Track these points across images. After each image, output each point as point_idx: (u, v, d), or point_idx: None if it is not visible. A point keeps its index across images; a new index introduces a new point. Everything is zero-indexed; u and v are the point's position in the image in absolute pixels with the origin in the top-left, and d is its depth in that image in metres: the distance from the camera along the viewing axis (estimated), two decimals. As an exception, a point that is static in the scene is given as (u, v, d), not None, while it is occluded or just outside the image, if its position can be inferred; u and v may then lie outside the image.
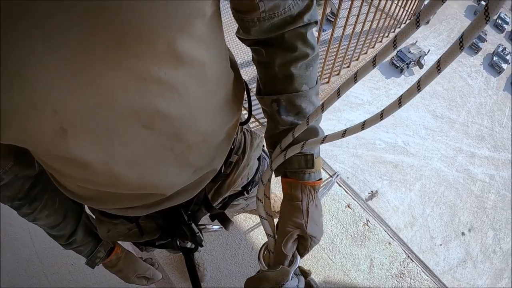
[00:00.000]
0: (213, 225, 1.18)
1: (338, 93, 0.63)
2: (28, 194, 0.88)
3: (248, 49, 0.86)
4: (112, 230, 1.01)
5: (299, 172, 0.81)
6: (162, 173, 0.71)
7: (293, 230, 0.77)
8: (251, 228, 2.37)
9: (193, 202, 0.97)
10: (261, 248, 0.84)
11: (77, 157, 0.58)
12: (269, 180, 0.87)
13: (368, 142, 3.91)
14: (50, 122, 0.51)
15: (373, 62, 0.54)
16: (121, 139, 0.59)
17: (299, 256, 0.79)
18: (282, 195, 0.86)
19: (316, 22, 0.75)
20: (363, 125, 0.61)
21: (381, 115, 0.57)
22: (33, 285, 2.32)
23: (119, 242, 1.16)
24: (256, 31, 0.70)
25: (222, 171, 0.96)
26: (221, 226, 1.15)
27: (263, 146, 1.16)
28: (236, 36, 0.79)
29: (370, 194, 2.73)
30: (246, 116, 1.00)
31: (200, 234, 1.01)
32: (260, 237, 2.36)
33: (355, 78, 0.58)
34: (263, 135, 0.98)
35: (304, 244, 0.79)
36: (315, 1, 0.74)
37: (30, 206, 0.90)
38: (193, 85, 0.62)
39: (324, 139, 0.72)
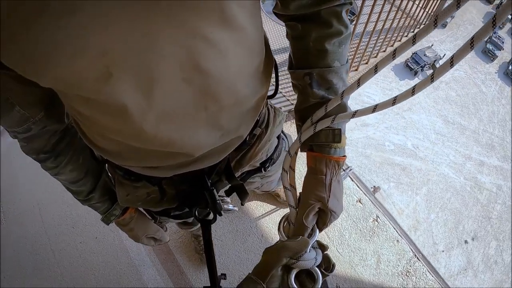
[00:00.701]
0: (230, 203, 1.18)
1: (375, 69, 0.66)
2: (55, 148, 0.93)
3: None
4: (131, 194, 1.05)
5: (325, 146, 0.85)
6: (192, 131, 0.74)
7: (315, 203, 0.81)
8: (262, 216, 2.38)
9: (216, 169, 1.00)
10: (281, 219, 0.88)
11: (117, 101, 0.61)
12: (296, 153, 0.90)
13: (378, 143, 3.87)
14: (98, 64, 0.55)
15: (393, 55, 0.61)
16: (161, 89, 0.62)
17: (317, 230, 0.83)
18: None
19: (350, 3, 0.80)
20: (394, 101, 0.65)
21: (394, 101, 0.63)
22: (38, 260, 2.33)
23: None
24: (295, 5, 0.76)
25: (247, 140, 1.01)
26: (234, 206, 1.21)
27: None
28: (273, 12, 0.84)
29: (372, 189, 2.71)
30: (272, 92, 1.05)
31: (220, 203, 1.04)
32: (270, 225, 2.36)
33: (375, 69, 0.65)
34: (286, 113, 1.00)
35: (323, 218, 0.83)
36: None
37: (55, 160, 0.94)
38: (235, 47, 0.66)
39: (355, 114, 0.75)
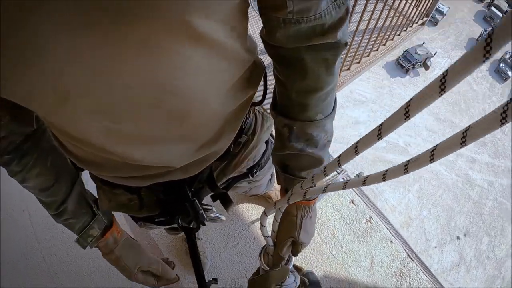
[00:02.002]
0: (215, 212, 1.14)
1: (356, 149, 0.56)
2: (19, 148, 0.82)
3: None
4: (113, 200, 0.99)
5: None
6: (163, 149, 0.70)
7: (287, 239, 0.91)
8: (254, 219, 2.35)
9: (197, 179, 0.96)
10: (261, 251, 1.00)
11: (75, 125, 0.59)
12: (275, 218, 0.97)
13: (369, 140, 3.87)
14: (53, 84, 0.51)
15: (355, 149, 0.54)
16: (125, 114, 0.58)
17: (292, 257, 0.98)
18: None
19: (346, 44, 0.71)
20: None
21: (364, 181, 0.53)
22: (29, 265, 2.30)
23: (117, 223, 1.10)
24: (282, 35, 0.65)
25: (231, 150, 0.96)
26: (221, 214, 1.15)
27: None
28: (260, 36, 0.74)
29: (357, 175, 2.71)
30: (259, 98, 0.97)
31: (203, 213, 1.00)
32: (262, 228, 2.34)
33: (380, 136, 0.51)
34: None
35: (296, 247, 0.93)
36: (348, 17, 0.68)
37: (20, 162, 0.83)
38: (207, 64, 0.60)
39: (325, 189, 0.68)
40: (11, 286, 2.22)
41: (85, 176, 1.01)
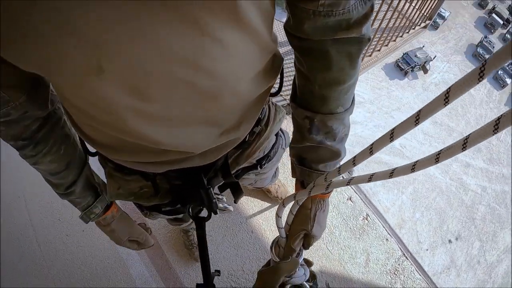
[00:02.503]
0: (225, 202, 1.16)
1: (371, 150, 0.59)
2: (34, 135, 0.86)
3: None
4: (122, 188, 1.00)
5: None
6: (188, 132, 0.71)
7: (300, 232, 0.93)
8: (253, 213, 2.37)
9: (213, 167, 0.97)
10: (272, 243, 1.01)
11: (106, 98, 0.57)
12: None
13: (366, 141, 3.89)
14: (89, 56, 0.51)
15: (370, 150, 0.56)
16: (157, 88, 0.58)
17: (303, 250, 0.98)
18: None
19: (369, 39, 0.73)
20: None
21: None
22: (24, 253, 2.28)
23: (116, 201, 1.16)
24: (310, 27, 0.67)
25: (247, 138, 0.98)
26: (229, 205, 1.18)
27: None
28: (284, 29, 0.76)
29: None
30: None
31: (216, 201, 1.00)
32: (260, 221, 2.36)
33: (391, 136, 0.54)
34: (285, 110, 0.98)
35: (307, 240, 0.94)
36: (372, 13, 0.70)
37: (34, 149, 0.87)
38: (243, 48, 0.62)
39: (350, 181, 0.69)
40: (7, 275, 2.20)
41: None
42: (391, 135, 0.52)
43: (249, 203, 2.40)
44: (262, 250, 2.33)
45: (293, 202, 0.92)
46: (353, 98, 0.86)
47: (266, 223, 2.41)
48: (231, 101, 0.71)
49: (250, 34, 0.61)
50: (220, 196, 1.09)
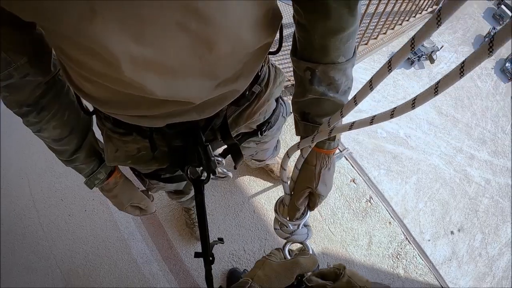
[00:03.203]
0: (224, 167, 1.14)
1: (371, 85, 0.60)
2: (38, 101, 0.88)
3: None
4: (120, 150, 1.00)
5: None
6: (183, 81, 0.70)
7: (305, 189, 0.92)
8: (255, 192, 2.36)
9: (212, 124, 0.95)
10: (277, 202, 1.02)
11: (100, 44, 0.56)
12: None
13: (370, 129, 3.87)
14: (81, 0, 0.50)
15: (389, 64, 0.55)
16: (152, 33, 0.58)
17: (309, 211, 0.97)
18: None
19: None
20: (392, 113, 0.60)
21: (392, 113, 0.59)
22: (27, 234, 2.30)
23: (119, 167, 1.16)
24: None
25: (246, 94, 0.97)
26: (229, 171, 1.20)
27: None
28: None
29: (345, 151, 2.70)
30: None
31: (215, 160, 1.00)
32: (263, 201, 2.35)
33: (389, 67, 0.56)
34: (286, 74, 0.98)
35: (313, 200, 0.95)
36: None
37: (38, 115, 0.89)
38: None
39: (352, 126, 0.71)
40: (10, 255, 2.21)
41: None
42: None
43: (251, 183, 2.40)
44: (264, 230, 2.33)
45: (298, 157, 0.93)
46: (355, 49, 0.86)
47: (268, 203, 2.40)
48: (227, 50, 0.69)
49: None
50: (219, 159, 1.07)
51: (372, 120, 0.61)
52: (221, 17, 0.61)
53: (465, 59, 0.44)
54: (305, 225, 0.98)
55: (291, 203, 0.96)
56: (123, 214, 2.33)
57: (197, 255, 1.05)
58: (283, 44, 0.95)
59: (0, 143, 2.56)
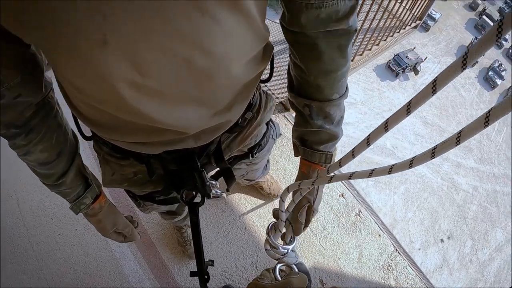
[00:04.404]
0: (218, 188, 1.16)
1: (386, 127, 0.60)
2: (27, 123, 0.83)
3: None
4: (116, 173, 1.00)
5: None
6: (182, 110, 0.71)
7: (306, 203, 0.96)
8: (246, 210, 2.37)
9: (206, 151, 0.97)
10: (269, 226, 1.02)
11: (106, 72, 0.57)
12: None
13: (358, 141, 3.88)
14: (95, 25, 0.50)
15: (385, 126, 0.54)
16: (157, 63, 0.59)
17: (295, 237, 1.02)
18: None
19: (356, 30, 0.79)
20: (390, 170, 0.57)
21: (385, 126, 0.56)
22: (16, 252, 2.25)
23: (104, 192, 1.13)
24: (304, 20, 0.71)
25: (239, 122, 0.98)
26: (223, 192, 1.19)
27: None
28: (280, 23, 0.82)
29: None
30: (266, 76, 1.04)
31: (210, 185, 1.01)
32: (253, 218, 2.36)
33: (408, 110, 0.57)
34: (276, 99, 1.02)
35: (308, 215, 0.98)
36: (357, 6, 0.76)
37: (26, 137, 0.84)
38: (239, 31, 0.64)
39: (352, 176, 0.70)
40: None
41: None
42: (386, 126, 0.54)
43: (242, 201, 2.40)
44: (256, 247, 2.33)
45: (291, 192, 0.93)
46: (347, 85, 0.92)
47: (259, 220, 2.41)
48: (225, 82, 0.72)
49: (246, 19, 0.64)
50: (213, 182, 1.10)
51: (371, 173, 0.64)
52: (222, 53, 0.64)
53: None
54: (293, 250, 1.00)
55: (294, 217, 0.99)
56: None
57: (192, 274, 1.06)
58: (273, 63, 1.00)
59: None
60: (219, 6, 0.56)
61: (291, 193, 1.01)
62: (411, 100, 0.50)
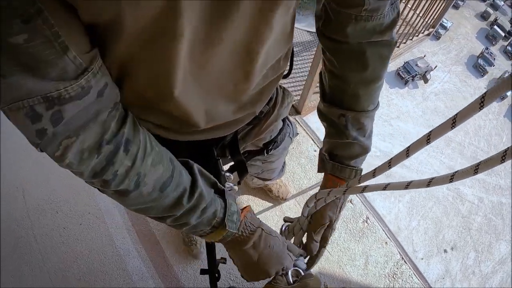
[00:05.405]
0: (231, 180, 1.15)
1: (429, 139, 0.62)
2: (119, 131, 0.57)
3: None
4: None
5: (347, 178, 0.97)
6: (212, 102, 0.73)
7: (326, 222, 0.96)
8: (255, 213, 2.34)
9: (222, 141, 0.98)
10: (283, 229, 1.07)
11: (171, 46, 0.53)
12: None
13: (363, 147, 3.90)
14: (171, 24, 0.50)
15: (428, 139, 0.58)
16: (214, 50, 0.60)
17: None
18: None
19: (396, 42, 0.82)
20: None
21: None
22: (20, 244, 2.26)
23: None
24: (351, 30, 0.75)
25: (257, 115, 0.98)
26: (234, 184, 1.16)
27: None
28: (320, 32, 0.84)
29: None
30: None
31: (225, 175, 1.00)
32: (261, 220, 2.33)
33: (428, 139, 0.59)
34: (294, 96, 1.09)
35: (326, 233, 0.98)
36: (399, 19, 0.80)
37: (128, 153, 0.58)
38: (280, 31, 0.68)
39: (386, 187, 0.72)
40: (1, 265, 2.17)
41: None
42: (428, 138, 0.54)
43: (249, 202, 2.40)
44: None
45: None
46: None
47: (266, 222, 2.39)
48: (258, 80, 0.75)
49: (290, 20, 0.69)
50: (228, 174, 1.08)
51: (385, 187, 0.64)
52: (264, 53, 0.66)
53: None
54: (301, 255, 1.01)
55: (310, 236, 0.99)
56: (119, 229, 2.31)
57: (203, 271, 1.05)
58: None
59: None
60: (278, 15, 0.58)
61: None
62: (456, 115, 0.52)
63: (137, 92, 0.64)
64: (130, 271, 2.19)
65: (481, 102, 0.44)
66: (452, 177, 0.51)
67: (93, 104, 0.51)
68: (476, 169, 0.48)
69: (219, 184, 0.81)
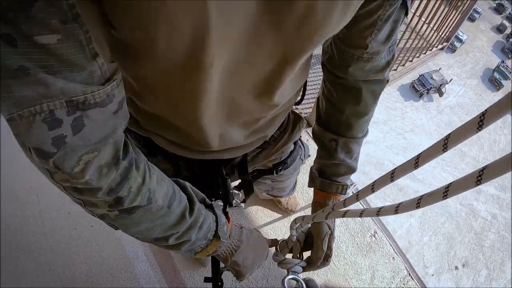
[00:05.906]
0: (238, 198, 1.18)
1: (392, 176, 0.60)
2: (129, 148, 0.57)
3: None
4: None
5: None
6: (226, 126, 0.76)
7: (328, 231, 1.00)
8: (262, 223, 2.38)
9: (232, 161, 1.03)
10: (277, 246, 1.12)
11: (202, 91, 0.59)
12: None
13: (377, 161, 3.87)
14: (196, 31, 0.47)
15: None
16: (243, 99, 0.67)
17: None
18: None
19: (388, 81, 0.92)
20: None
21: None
22: (30, 243, 2.29)
23: None
24: (353, 69, 0.83)
25: (267, 140, 1.04)
26: (241, 202, 1.21)
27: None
28: (322, 64, 0.93)
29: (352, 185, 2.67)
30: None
31: (233, 193, 1.06)
32: (269, 231, 2.37)
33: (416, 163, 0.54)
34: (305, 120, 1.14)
35: (331, 241, 1.02)
36: (393, 61, 0.88)
37: (139, 170, 0.58)
38: (300, 71, 0.73)
39: (362, 213, 0.72)
40: (11, 262, 2.20)
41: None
42: (416, 163, 0.53)
43: (258, 213, 2.40)
44: (269, 259, 2.30)
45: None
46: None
47: (274, 233, 2.40)
48: (272, 111, 0.80)
49: (308, 60, 0.75)
50: (236, 191, 1.12)
51: (378, 212, 0.63)
52: (282, 89, 0.70)
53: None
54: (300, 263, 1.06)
55: (316, 245, 1.01)
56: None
57: (206, 279, 1.06)
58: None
59: (12, 153, 2.57)
60: (303, 56, 0.63)
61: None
62: (448, 135, 0.48)
63: (158, 110, 0.71)
64: (138, 274, 2.21)
65: (480, 121, 0.39)
66: (418, 202, 0.50)
67: (112, 118, 0.50)
68: (445, 192, 0.46)
69: (207, 199, 0.82)
